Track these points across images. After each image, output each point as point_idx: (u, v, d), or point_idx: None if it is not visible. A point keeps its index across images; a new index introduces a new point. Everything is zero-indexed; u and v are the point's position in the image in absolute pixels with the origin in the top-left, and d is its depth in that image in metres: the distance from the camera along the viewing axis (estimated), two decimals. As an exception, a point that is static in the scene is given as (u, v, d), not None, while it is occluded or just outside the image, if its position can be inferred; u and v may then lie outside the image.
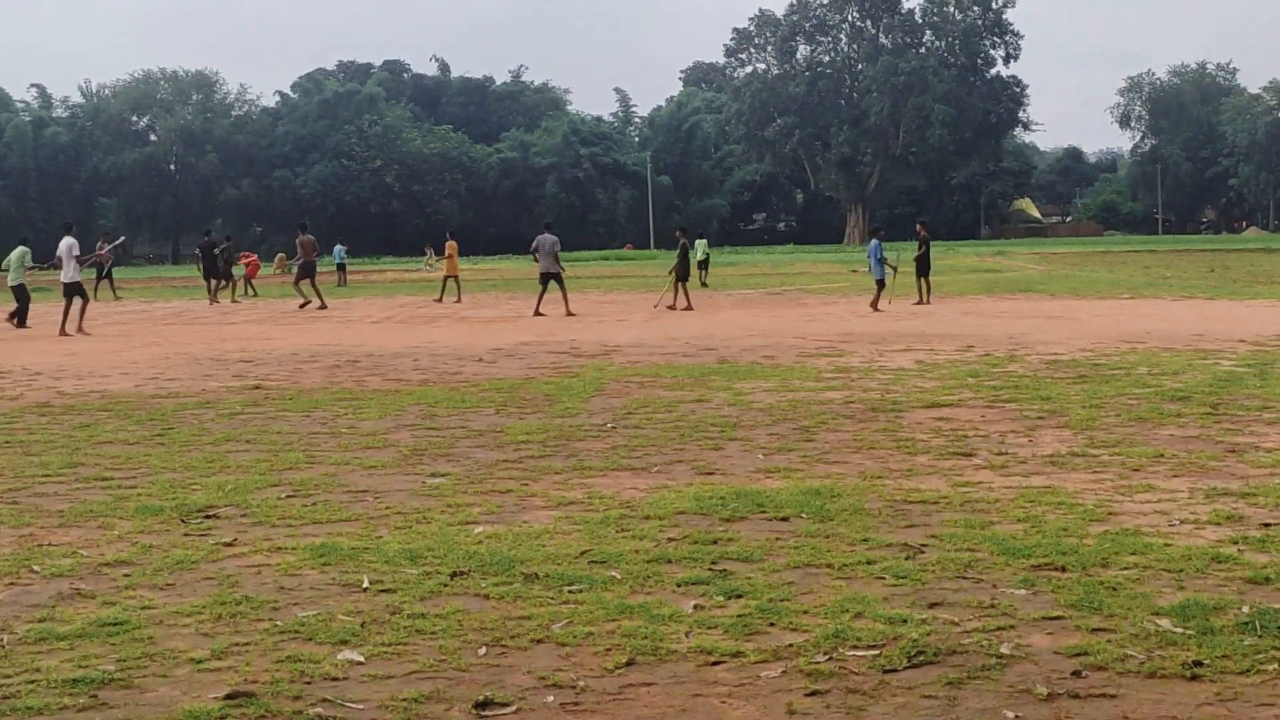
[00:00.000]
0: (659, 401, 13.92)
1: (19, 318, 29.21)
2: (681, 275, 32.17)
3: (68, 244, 27.53)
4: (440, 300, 37.61)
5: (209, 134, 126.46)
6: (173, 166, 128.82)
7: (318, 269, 38.14)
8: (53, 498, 9.24)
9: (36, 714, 5.00)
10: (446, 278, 38.95)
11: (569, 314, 29.14)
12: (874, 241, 31.08)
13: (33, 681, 5.32)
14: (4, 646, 5.79)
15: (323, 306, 34.49)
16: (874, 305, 29.48)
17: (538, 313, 29.36)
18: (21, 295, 29.48)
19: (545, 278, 30.24)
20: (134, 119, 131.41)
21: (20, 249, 30.10)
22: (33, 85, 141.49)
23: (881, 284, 29.98)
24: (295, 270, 35.01)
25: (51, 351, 22.50)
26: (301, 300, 35.70)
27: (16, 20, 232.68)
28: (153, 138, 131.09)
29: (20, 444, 11.83)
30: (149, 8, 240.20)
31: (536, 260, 30.88)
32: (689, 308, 31.13)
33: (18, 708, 5.05)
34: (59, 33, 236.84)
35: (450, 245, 39.68)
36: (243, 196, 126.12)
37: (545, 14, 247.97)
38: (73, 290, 27.31)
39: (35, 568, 7.21)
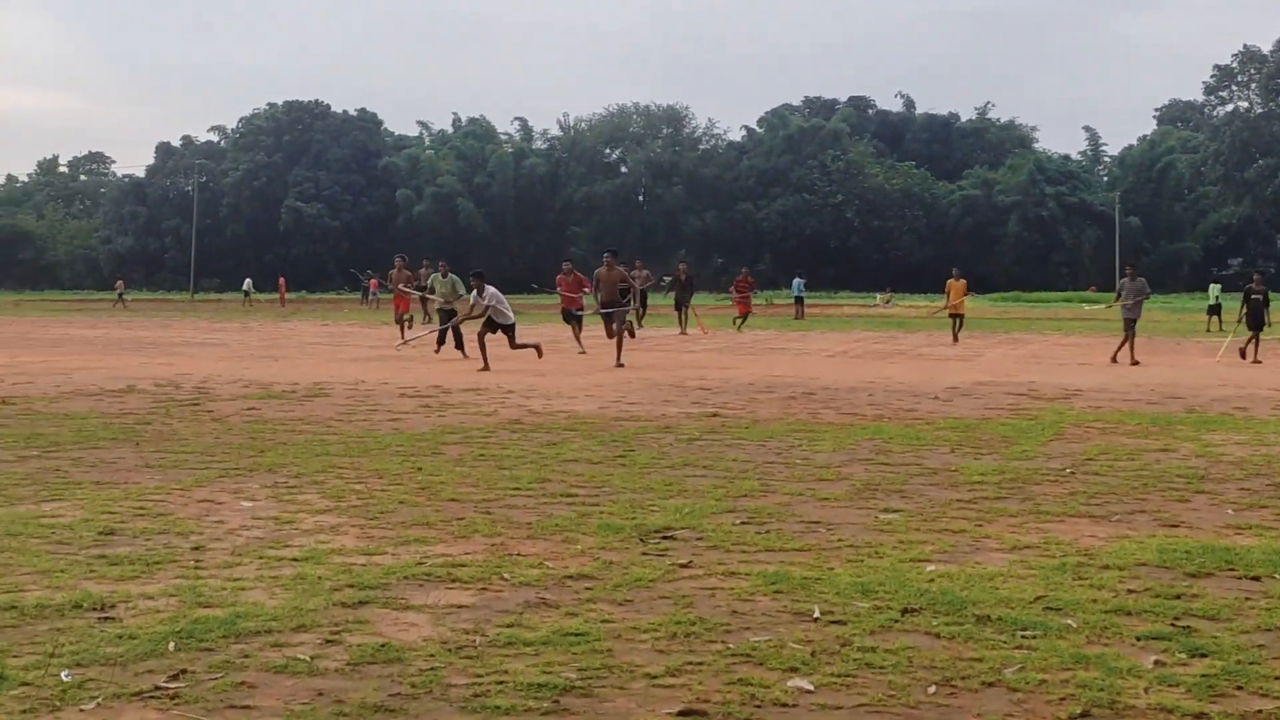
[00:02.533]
0: (1121, 449, 13.47)
1: (457, 341, 28.61)
2: (1253, 325, 29.77)
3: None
4: (957, 340, 35.90)
5: (676, 167, 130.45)
6: (641, 197, 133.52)
7: (772, 301, 37.90)
8: (522, 510, 9.69)
9: (504, 714, 5.25)
10: (953, 315, 37.05)
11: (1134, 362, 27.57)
12: None
13: (501, 683, 5.59)
14: (477, 648, 6.10)
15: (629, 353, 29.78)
16: None
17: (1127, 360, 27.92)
18: (449, 319, 29.18)
19: (1131, 323, 28.70)
20: (607, 151, 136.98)
21: (451, 277, 29.62)
22: (516, 118, 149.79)
23: None
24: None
25: (523, 372, 23.61)
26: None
27: (503, 58, 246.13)
28: (623, 169, 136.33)
29: (494, 458, 12.47)
30: (626, 44, 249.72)
31: (1118, 303, 29.68)
32: (1256, 360, 28.76)
33: (487, 705, 5.32)
34: (542, 68, 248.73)
35: (953, 284, 37.26)
36: (706, 228, 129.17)
37: (1013, 51, 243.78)
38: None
39: (505, 576, 7.57)
